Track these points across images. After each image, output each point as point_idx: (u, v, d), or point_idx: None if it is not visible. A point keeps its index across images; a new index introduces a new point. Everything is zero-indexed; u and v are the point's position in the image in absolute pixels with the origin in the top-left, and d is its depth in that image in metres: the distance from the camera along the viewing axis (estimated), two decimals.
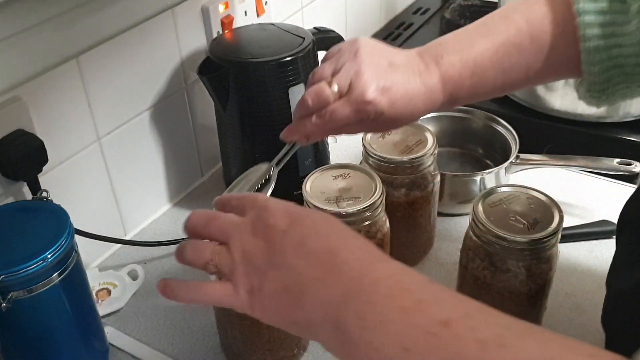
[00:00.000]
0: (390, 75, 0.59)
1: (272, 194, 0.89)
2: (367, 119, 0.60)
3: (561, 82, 1.05)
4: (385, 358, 0.37)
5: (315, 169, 0.73)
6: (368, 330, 0.38)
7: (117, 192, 0.85)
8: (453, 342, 0.34)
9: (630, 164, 0.87)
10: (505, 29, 0.59)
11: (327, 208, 0.67)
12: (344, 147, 1.06)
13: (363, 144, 0.78)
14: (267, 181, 0.64)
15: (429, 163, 0.77)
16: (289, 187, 0.87)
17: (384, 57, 0.60)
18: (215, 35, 0.91)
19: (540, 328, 0.35)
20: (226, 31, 0.92)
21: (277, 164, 0.66)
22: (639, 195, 0.58)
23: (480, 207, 0.67)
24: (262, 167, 0.66)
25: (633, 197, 0.58)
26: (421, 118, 0.97)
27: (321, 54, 0.88)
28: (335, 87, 0.59)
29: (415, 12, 1.53)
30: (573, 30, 0.56)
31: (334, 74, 0.60)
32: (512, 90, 0.62)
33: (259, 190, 0.64)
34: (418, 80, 0.60)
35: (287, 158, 0.66)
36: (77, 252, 0.62)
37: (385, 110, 0.59)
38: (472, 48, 0.60)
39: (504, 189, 0.69)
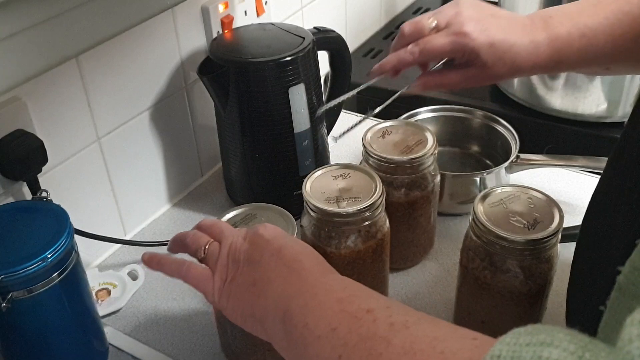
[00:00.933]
0: (490, 21, 0.60)
1: (271, 194, 0.89)
2: (463, 57, 0.61)
3: (561, 82, 1.05)
4: (315, 336, 0.43)
5: (315, 169, 0.73)
6: (307, 315, 0.45)
7: (117, 192, 0.85)
8: (370, 324, 0.41)
9: None
10: None
11: (327, 208, 0.67)
12: (344, 147, 1.06)
13: (363, 144, 0.78)
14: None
15: (429, 163, 0.77)
16: (289, 187, 0.87)
17: (486, 9, 0.62)
18: (215, 35, 0.91)
19: (440, 320, 0.41)
20: (226, 31, 0.92)
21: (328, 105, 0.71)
22: (591, 211, 0.58)
23: (480, 207, 0.67)
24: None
25: (586, 213, 0.59)
26: (422, 118, 0.98)
27: (321, 54, 0.89)
28: (433, 23, 0.61)
29: (415, 12, 1.53)
30: None
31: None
32: (614, 64, 0.63)
33: None
34: (521, 31, 0.60)
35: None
36: (77, 252, 0.62)
37: (483, 49, 0.60)
38: (582, 13, 0.60)
39: (504, 189, 0.69)
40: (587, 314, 0.50)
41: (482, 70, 0.62)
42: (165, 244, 0.85)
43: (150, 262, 0.59)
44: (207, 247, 0.56)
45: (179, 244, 0.60)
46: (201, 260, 0.56)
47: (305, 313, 0.45)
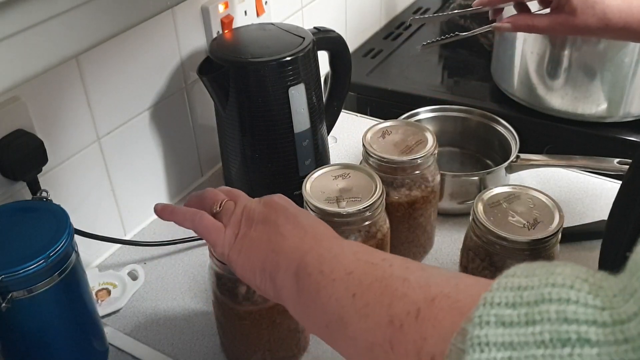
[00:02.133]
0: None
1: (271, 194, 0.89)
2: None
3: (561, 82, 1.05)
4: (330, 280, 0.44)
5: (315, 169, 0.73)
6: (323, 263, 0.46)
7: (117, 192, 0.85)
8: (387, 268, 0.42)
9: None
10: None
11: (327, 208, 0.67)
12: (344, 147, 1.06)
13: (363, 144, 0.78)
14: None
15: (429, 163, 0.77)
16: (289, 187, 0.87)
17: None
18: (215, 35, 0.91)
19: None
20: (226, 31, 0.92)
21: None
22: (631, 167, 0.59)
23: (480, 207, 0.67)
24: None
25: (618, 194, 0.60)
26: (422, 118, 0.98)
27: (321, 54, 0.89)
28: None
29: (415, 12, 1.53)
30: None
31: None
32: None
33: None
34: None
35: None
36: (77, 252, 0.62)
37: None
38: None
39: (504, 189, 0.69)
40: (616, 264, 0.51)
41: (571, 17, 0.65)
42: (166, 244, 0.86)
43: (162, 211, 0.60)
44: (223, 202, 0.58)
45: (195, 199, 0.61)
46: (215, 215, 0.57)
47: (320, 262, 0.46)
